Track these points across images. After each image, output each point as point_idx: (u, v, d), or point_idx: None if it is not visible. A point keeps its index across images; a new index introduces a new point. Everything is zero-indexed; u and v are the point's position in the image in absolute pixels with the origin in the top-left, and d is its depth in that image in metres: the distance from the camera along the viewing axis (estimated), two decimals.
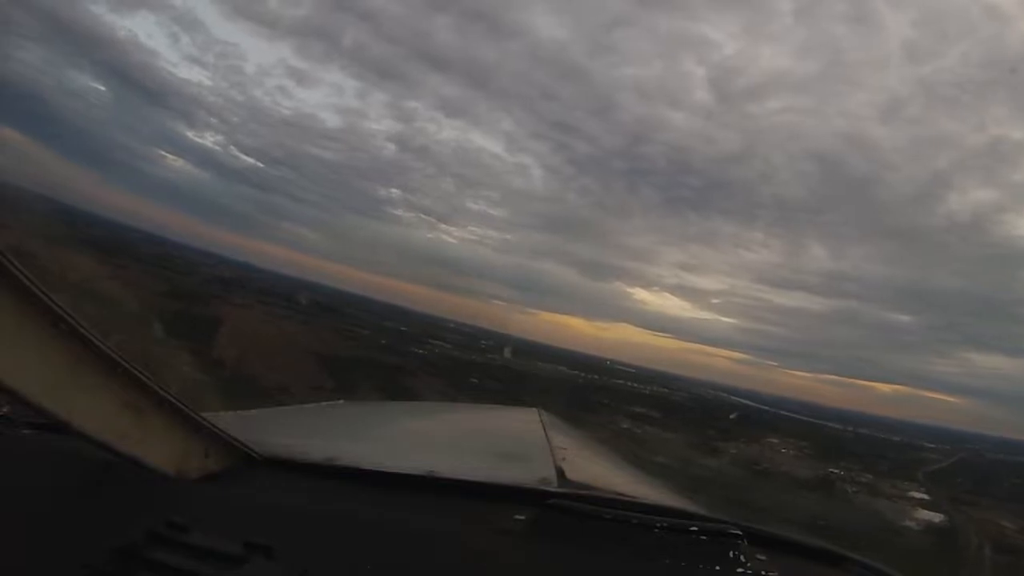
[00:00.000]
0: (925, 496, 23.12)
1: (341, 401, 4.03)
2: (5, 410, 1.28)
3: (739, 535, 1.37)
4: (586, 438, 3.28)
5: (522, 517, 1.38)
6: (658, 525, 1.35)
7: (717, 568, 1.29)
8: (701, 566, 1.29)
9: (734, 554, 1.32)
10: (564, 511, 1.37)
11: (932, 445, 36.63)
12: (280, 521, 1.18)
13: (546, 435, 2.47)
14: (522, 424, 3.01)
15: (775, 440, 30.25)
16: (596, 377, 42.07)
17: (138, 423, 1.13)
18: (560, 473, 1.81)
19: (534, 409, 3.37)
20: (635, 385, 42.79)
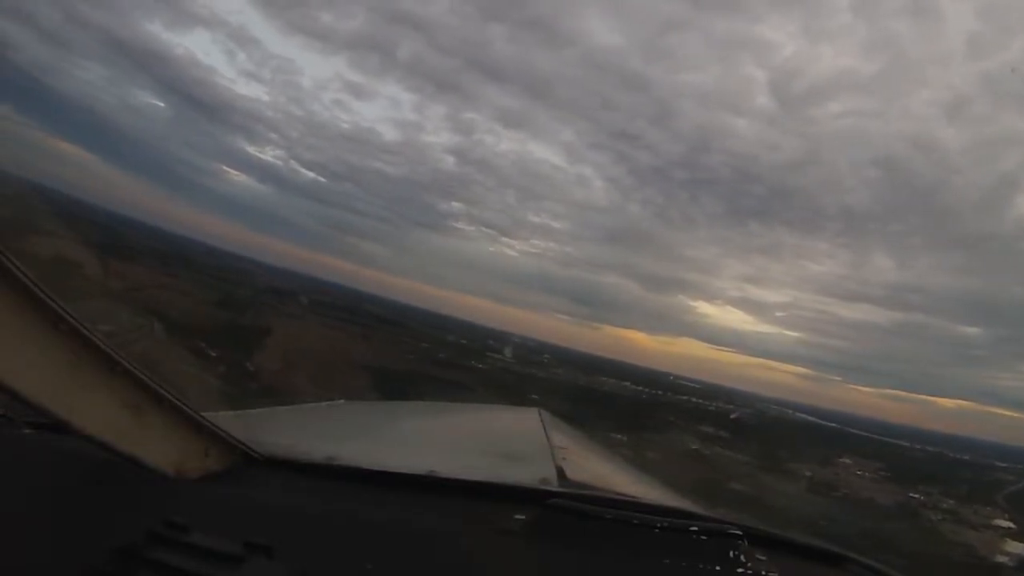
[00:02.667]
0: (1010, 524, 21.57)
1: (341, 401, 4.04)
2: (4, 410, 1.29)
3: (739, 535, 1.34)
4: (586, 438, 3.28)
5: (522, 517, 1.37)
6: (658, 525, 1.33)
7: (717, 568, 1.27)
8: (701, 566, 1.27)
9: (734, 554, 1.30)
10: (564, 511, 1.36)
11: (1003, 464, 34.10)
12: (280, 521, 1.19)
13: (546, 435, 2.48)
14: (522, 424, 3.03)
15: (848, 461, 29.04)
16: (660, 393, 41.46)
17: (138, 423, 1.14)
18: (560, 473, 1.81)
19: (534, 409, 3.38)
20: (699, 401, 41.87)
